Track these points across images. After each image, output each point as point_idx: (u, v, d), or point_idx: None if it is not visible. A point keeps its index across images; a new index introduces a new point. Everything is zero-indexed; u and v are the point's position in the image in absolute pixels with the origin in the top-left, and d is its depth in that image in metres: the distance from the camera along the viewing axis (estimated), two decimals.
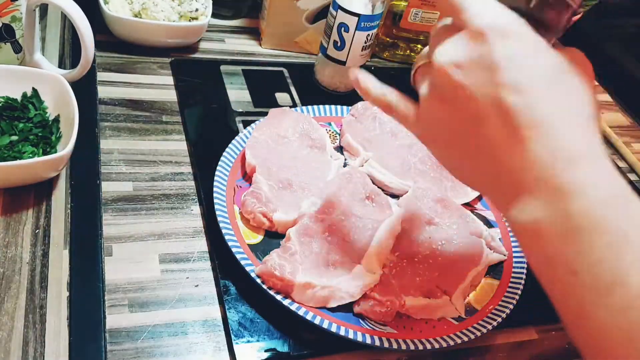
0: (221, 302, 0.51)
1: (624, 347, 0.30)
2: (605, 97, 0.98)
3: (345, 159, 0.67)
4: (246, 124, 0.68)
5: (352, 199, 0.58)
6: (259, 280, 0.50)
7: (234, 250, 0.52)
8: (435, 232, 0.58)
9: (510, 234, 0.63)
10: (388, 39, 0.87)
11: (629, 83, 0.98)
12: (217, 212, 0.55)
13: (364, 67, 0.77)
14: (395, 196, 0.64)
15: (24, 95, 0.59)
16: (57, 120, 0.58)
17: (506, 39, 0.34)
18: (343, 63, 0.74)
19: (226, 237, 0.53)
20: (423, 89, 0.39)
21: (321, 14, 0.80)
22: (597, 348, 0.31)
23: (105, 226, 0.54)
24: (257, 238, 0.56)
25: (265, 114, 0.67)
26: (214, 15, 0.79)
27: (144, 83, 0.71)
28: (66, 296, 0.48)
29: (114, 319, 0.48)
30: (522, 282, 0.57)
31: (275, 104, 0.74)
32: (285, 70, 0.80)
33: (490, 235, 0.60)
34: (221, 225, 0.54)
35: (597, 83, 1.00)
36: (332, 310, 0.51)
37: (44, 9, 0.76)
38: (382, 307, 0.51)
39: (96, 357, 0.45)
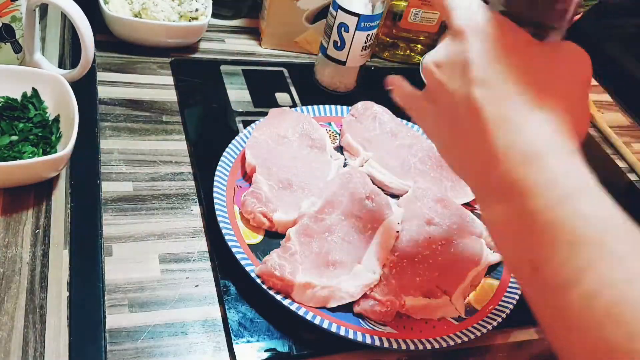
0: (221, 302, 0.51)
1: (578, 345, 0.30)
2: (605, 97, 0.98)
3: (345, 159, 0.67)
4: (246, 124, 0.68)
5: (352, 199, 0.58)
6: (259, 280, 0.50)
7: (234, 250, 0.52)
8: (435, 232, 0.58)
9: None
10: (388, 39, 0.87)
11: (629, 83, 0.98)
12: (217, 212, 0.55)
13: (364, 67, 0.77)
14: (395, 196, 0.64)
15: (24, 95, 0.59)
16: (57, 120, 0.58)
17: (480, 36, 0.35)
18: (343, 63, 0.74)
19: (226, 237, 0.53)
20: (424, 90, 0.41)
21: (321, 14, 0.80)
22: (560, 341, 0.32)
23: (105, 226, 0.54)
24: (257, 238, 0.56)
25: (265, 114, 0.67)
26: (214, 15, 0.79)
27: (144, 83, 0.71)
28: (66, 296, 0.48)
29: (114, 319, 0.48)
30: None
31: (275, 104, 0.74)
32: (285, 70, 0.80)
33: (490, 235, 0.60)
34: (221, 225, 0.54)
35: (597, 83, 1.00)
36: (332, 310, 0.51)
37: (44, 9, 0.76)
38: (382, 307, 0.51)
39: (96, 357, 0.45)
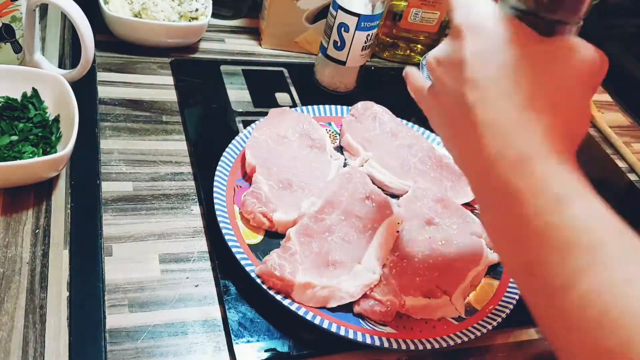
0: (221, 302, 0.51)
1: (576, 348, 0.30)
2: (605, 97, 0.98)
3: (345, 159, 0.67)
4: (246, 124, 0.68)
5: (352, 199, 0.58)
6: (259, 280, 0.50)
7: (234, 250, 0.52)
8: (435, 232, 0.58)
9: None
10: (388, 39, 0.87)
11: (629, 83, 0.98)
12: (217, 212, 0.55)
13: (364, 67, 0.77)
14: (395, 196, 0.64)
15: (24, 95, 0.59)
16: (57, 120, 0.58)
17: (477, 35, 0.35)
18: (343, 63, 0.74)
19: (226, 237, 0.53)
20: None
21: (321, 14, 0.80)
22: (560, 344, 0.32)
23: (105, 226, 0.54)
24: (257, 238, 0.56)
25: (265, 114, 0.67)
26: (214, 15, 0.79)
27: (144, 83, 0.71)
28: (66, 296, 0.48)
29: (114, 319, 0.48)
30: None
31: (275, 104, 0.74)
32: (285, 70, 0.80)
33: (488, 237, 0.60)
34: (221, 225, 0.54)
35: None
36: (332, 310, 0.51)
37: (44, 9, 0.76)
38: (382, 307, 0.51)
39: (96, 357, 0.45)
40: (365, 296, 0.52)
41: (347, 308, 0.52)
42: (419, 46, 0.88)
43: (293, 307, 0.49)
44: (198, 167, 0.62)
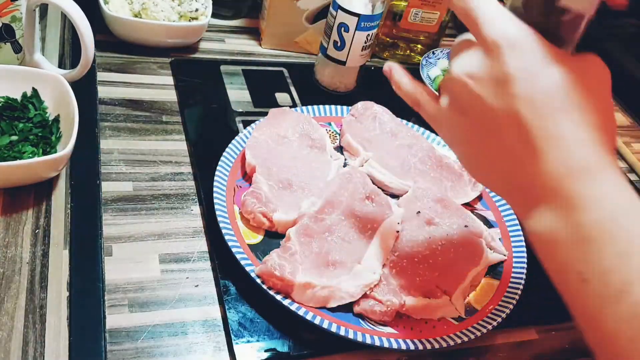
0: (221, 302, 0.51)
1: (630, 354, 0.31)
2: None
3: (345, 159, 0.67)
4: (246, 124, 0.68)
5: (352, 199, 0.58)
6: (259, 280, 0.50)
7: (234, 250, 0.52)
8: (435, 232, 0.58)
9: (511, 234, 0.63)
10: (388, 39, 0.87)
11: (629, 83, 0.98)
12: (217, 212, 0.55)
13: (364, 67, 0.77)
14: (395, 196, 0.64)
15: (24, 95, 0.59)
16: (57, 120, 0.58)
17: (517, 50, 0.35)
18: (343, 63, 0.74)
19: (226, 237, 0.53)
20: (444, 99, 0.40)
21: (321, 14, 0.80)
22: (605, 351, 0.32)
23: (105, 226, 0.54)
24: (257, 238, 0.56)
25: (265, 114, 0.67)
26: (214, 15, 0.79)
27: (144, 83, 0.71)
28: (66, 296, 0.48)
29: (114, 319, 0.48)
30: (522, 282, 0.57)
31: (275, 104, 0.74)
32: (285, 70, 0.80)
33: (490, 235, 0.60)
34: (221, 225, 0.54)
35: None
36: (332, 310, 0.51)
37: (44, 9, 0.76)
38: (382, 307, 0.51)
39: (96, 357, 0.45)
40: (365, 296, 0.52)
41: (347, 308, 0.52)
42: (419, 46, 0.88)
43: (293, 307, 0.49)
44: (198, 167, 0.62)
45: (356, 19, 0.70)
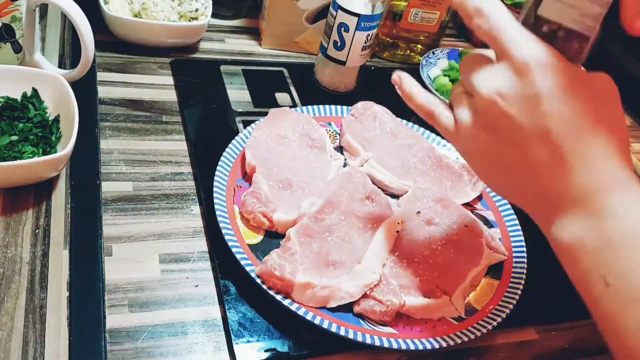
0: (221, 302, 0.51)
1: None
2: None
3: (345, 159, 0.67)
4: (246, 124, 0.68)
5: (352, 199, 0.58)
6: (259, 280, 0.50)
7: (234, 250, 0.52)
8: (435, 232, 0.58)
9: (511, 234, 0.63)
10: (388, 39, 0.87)
11: (629, 83, 0.98)
12: (217, 212, 0.55)
13: (364, 67, 0.77)
14: (395, 196, 0.64)
15: (24, 95, 0.59)
16: (57, 120, 0.58)
17: (547, 70, 0.36)
18: (343, 63, 0.74)
19: (226, 237, 0.53)
20: (463, 114, 0.41)
21: (321, 14, 0.80)
22: (627, 353, 0.33)
23: (105, 226, 0.54)
24: (257, 238, 0.56)
25: (265, 114, 0.67)
26: (214, 15, 0.79)
27: (144, 83, 0.71)
28: (66, 296, 0.48)
29: (114, 319, 0.48)
30: (522, 282, 0.57)
31: (275, 104, 0.74)
32: (285, 70, 0.80)
33: (490, 235, 0.60)
34: (221, 225, 0.54)
35: None
36: (332, 310, 0.51)
37: (44, 9, 0.76)
38: (382, 307, 0.51)
39: (96, 357, 0.45)
40: (365, 296, 0.52)
41: (347, 308, 0.52)
42: (419, 46, 0.88)
43: (293, 307, 0.49)
44: (198, 167, 0.62)
45: (356, 19, 0.70)
